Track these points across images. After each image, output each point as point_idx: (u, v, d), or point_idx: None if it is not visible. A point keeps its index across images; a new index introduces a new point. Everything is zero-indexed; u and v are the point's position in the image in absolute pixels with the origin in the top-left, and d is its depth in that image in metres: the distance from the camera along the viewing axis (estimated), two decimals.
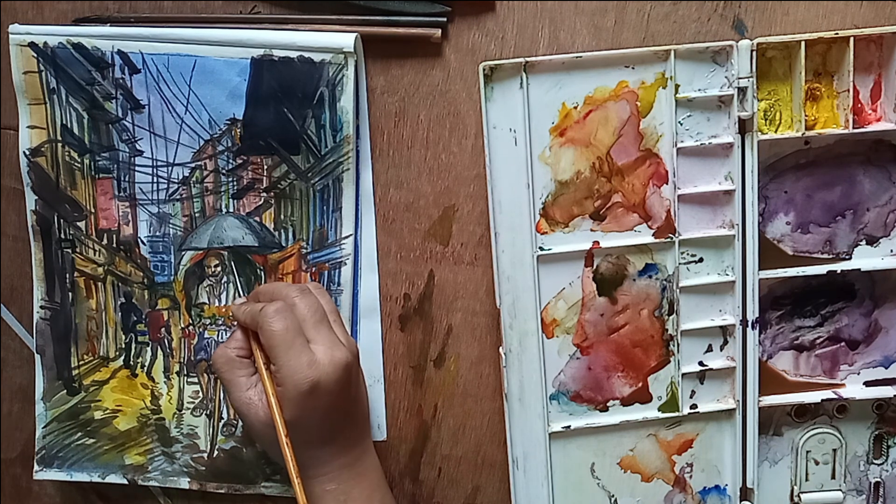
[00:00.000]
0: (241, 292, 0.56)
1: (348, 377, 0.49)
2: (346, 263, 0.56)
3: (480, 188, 0.54)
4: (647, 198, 0.52)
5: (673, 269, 0.52)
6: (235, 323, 0.53)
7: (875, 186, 0.52)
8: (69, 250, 0.57)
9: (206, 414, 0.58)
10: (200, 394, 0.58)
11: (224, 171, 0.56)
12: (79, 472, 0.58)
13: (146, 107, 0.55)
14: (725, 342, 0.54)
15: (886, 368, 0.54)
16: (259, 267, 0.56)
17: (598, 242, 0.52)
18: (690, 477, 0.55)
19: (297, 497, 0.47)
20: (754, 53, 0.49)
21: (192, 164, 0.56)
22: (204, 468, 0.58)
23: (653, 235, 0.52)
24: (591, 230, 0.52)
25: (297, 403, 0.48)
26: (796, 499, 0.55)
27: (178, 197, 0.56)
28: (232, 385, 0.50)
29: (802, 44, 0.49)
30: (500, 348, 0.53)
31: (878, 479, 0.56)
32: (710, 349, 0.54)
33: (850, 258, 0.53)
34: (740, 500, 0.55)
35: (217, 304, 0.57)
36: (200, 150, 0.55)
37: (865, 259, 0.53)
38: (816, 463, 0.55)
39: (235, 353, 0.51)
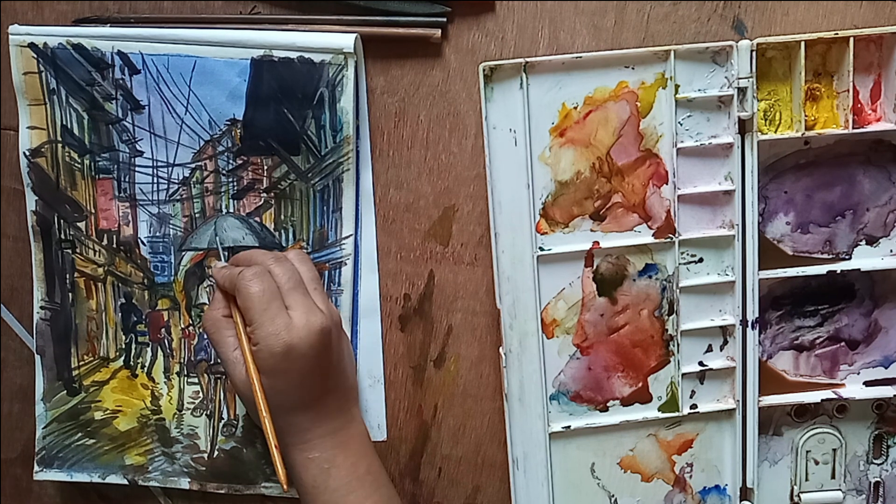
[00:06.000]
0: None
1: (325, 343, 0.49)
2: (346, 263, 0.56)
3: (480, 188, 0.54)
4: (647, 198, 0.52)
5: (673, 269, 0.52)
6: (215, 285, 0.53)
7: (875, 186, 0.52)
8: (69, 251, 0.57)
9: (206, 414, 0.58)
10: (200, 394, 0.58)
11: (224, 172, 0.56)
12: (79, 473, 0.58)
13: (146, 107, 0.55)
14: (725, 342, 0.54)
15: (886, 368, 0.54)
16: None
17: (598, 243, 0.52)
18: (690, 477, 0.55)
19: (270, 449, 0.48)
20: (754, 53, 0.49)
21: (193, 165, 0.56)
22: (204, 468, 0.58)
23: (653, 235, 0.52)
24: (591, 230, 0.52)
25: (271, 366, 0.48)
26: (796, 499, 0.55)
27: (178, 197, 0.56)
28: (220, 345, 0.51)
29: (802, 44, 0.49)
30: (501, 348, 0.53)
31: (878, 479, 0.56)
32: (710, 349, 0.54)
33: (849, 258, 0.53)
34: (740, 500, 0.55)
35: None
36: (200, 151, 0.55)
37: (865, 259, 0.53)
38: (816, 463, 0.55)
39: (221, 313, 0.51)
